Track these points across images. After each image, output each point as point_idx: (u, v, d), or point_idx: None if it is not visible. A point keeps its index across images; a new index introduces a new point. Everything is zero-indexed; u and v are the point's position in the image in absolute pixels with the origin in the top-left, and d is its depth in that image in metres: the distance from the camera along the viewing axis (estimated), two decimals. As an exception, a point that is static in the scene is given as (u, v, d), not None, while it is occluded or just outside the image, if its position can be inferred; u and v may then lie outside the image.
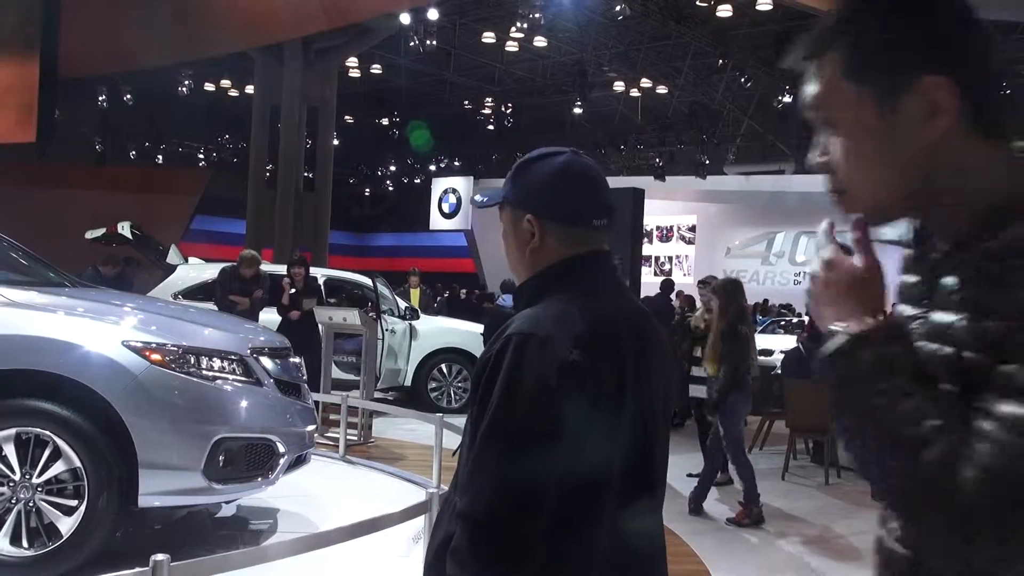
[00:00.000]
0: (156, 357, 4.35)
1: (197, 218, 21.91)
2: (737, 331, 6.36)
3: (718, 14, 16.88)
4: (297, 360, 5.41)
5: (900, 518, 0.95)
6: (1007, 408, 0.85)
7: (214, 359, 4.56)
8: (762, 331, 14.57)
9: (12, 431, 4.19)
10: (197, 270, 10.95)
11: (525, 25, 16.99)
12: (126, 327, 4.51)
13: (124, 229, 11.79)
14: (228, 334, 4.97)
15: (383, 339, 9.91)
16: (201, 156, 28.08)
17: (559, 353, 1.37)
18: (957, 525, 0.85)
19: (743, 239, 27.34)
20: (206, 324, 5.10)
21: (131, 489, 4.21)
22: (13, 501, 4.17)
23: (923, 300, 1.03)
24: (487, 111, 25.66)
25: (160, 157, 27.01)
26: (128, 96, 21.99)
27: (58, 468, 4.18)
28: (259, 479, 4.69)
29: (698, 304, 9.08)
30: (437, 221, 28.60)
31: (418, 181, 30.72)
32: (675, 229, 28.03)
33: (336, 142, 20.79)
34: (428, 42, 17.04)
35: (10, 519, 4.15)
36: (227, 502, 5.23)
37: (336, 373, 9.36)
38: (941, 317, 0.97)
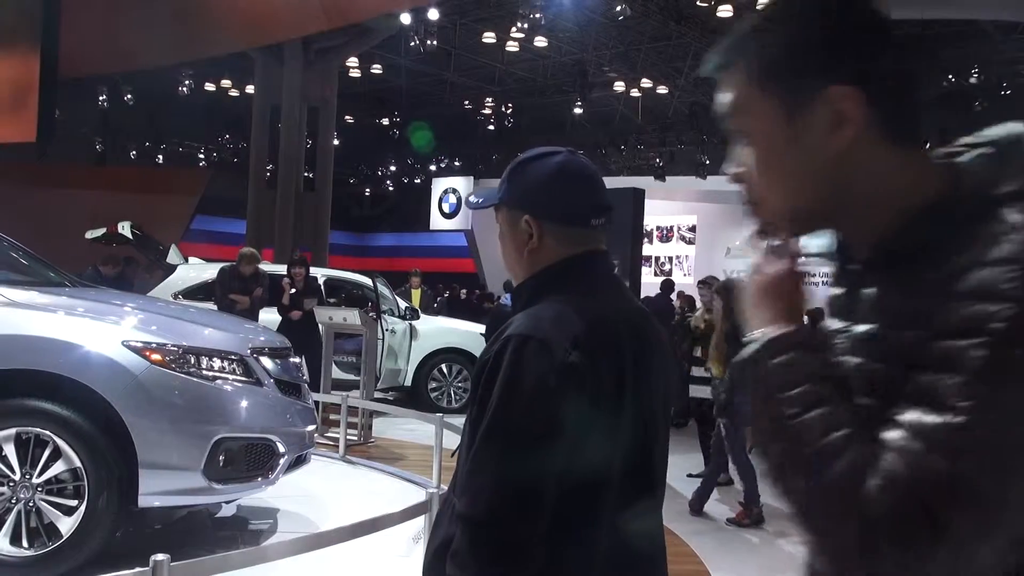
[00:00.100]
0: (156, 357, 4.36)
1: (197, 218, 21.89)
2: (741, 332, 6.35)
3: (718, 14, 16.87)
4: (297, 360, 5.41)
5: (806, 533, 0.91)
6: (911, 416, 0.83)
7: (214, 359, 4.57)
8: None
9: (12, 431, 4.19)
10: (197, 270, 10.94)
11: (525, 25, 16.95)
12: (126, 327, 4.51)
13: (124, 229, 11.79)
14: (228, 334, 4.97)
15: (383, 339, 9.91)
16: (201, 156, 28.02)
17: (558, 354, 1.36)
18: (864, 535, 0.83)
19: (743, 239, 27.29)
20: (206, 324, 5.10)
21: (131, 489, 4.21)
22: (13, 501, 4.17)
23: (848, 313, 1.02)
24: (487, 111, 25.61)
25: (160, 157, 26.96)
26: (128, 96, 21.96)
27: (58, 468, 4.19)
28: (259, 479, 4.69)
29: (698, 304, 9.08)
30: (437, 221, 28.57)
31: (418, 181, 30.67)
32: (675, 229, 27.99)
33: (336, 142, 20.75)
34: (428, 42, 17.01)
35: (10, 519, 4.15)
36: (227, 502, 5.23)
37: (336, 373, 9.36)
38: (861, 329, 0.97)
